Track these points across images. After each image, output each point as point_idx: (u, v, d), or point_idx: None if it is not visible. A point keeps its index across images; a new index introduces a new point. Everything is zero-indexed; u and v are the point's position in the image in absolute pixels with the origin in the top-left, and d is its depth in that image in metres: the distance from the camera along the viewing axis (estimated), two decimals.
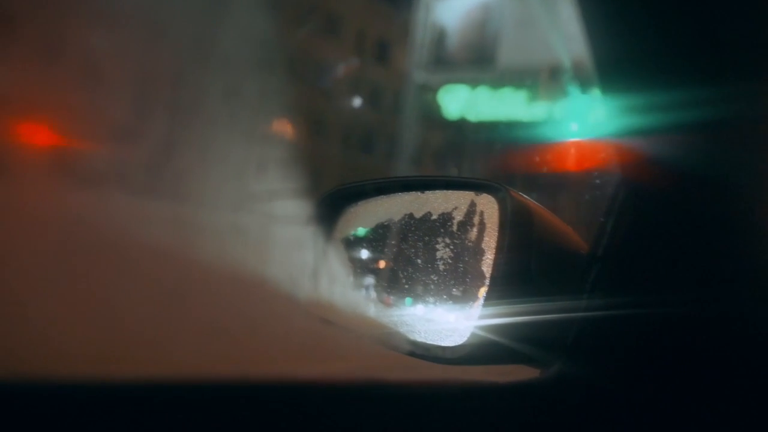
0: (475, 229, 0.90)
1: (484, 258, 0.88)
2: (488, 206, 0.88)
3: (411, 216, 1.01)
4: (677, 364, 0.79)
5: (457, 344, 0.85)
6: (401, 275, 1.00)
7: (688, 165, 0.72)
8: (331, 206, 1.12)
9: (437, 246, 0.95)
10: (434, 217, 0.97)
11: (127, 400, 0.57)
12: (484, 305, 0.82)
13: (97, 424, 0.55)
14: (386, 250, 1.05)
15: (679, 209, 0.76)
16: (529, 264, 0.82)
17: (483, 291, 0.84)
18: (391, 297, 1.01)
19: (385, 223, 1.05)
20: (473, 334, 0.82)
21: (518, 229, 0.82)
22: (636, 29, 0.67)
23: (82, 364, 0.59)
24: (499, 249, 0.83)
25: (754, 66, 0.68)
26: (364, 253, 1.09)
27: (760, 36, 0.66)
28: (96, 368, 0.58)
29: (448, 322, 0.90)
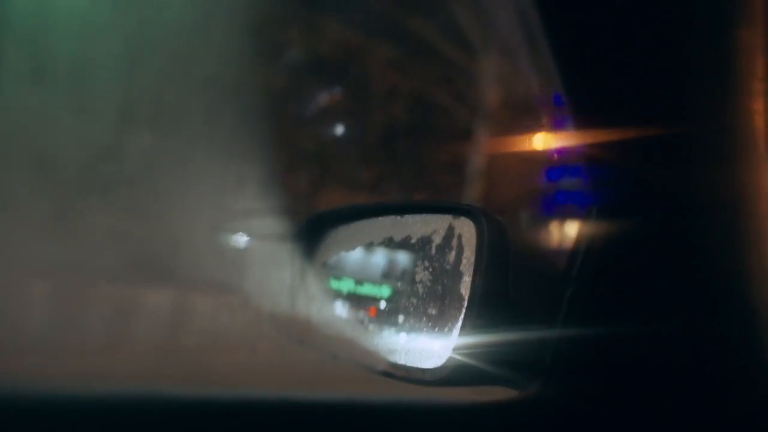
0: (453, 252, 0.92)
1: (462, 281, 0.89)
2: (466, 230, 0.90)
3: (391, 240, 1.02)
4: (653, 383, 0.80)
5: (437, 366, 0.86)
6: (378, 303, 1.02)
7: (659, 185, 0.74)
8: (312, 231, 1.13)
9: (416, 269, 0.97)
10: (413, 240, 0.98)
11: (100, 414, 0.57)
12: (463, 327, 0.84)
13: None
14: (366, 275, 1.07)
15: (651, 230, 0.78)
16: (506, 286, 0.84)
17: (461, 313, 0.86)
18: (371, 319, 1.02)
19: (366, 247, 1.06)
20: (452, 356, 0.83)
21: (495, 253, 0.84)
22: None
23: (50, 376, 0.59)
24: (477, 272, 0.85)
25: (714, 78, 0.70)
26: (345, 277, 1.10)
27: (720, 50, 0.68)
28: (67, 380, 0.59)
29: (428, 344, 0.91)
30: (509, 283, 0.84)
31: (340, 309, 1.06)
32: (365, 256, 1.04)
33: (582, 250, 0.81)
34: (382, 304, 1.00)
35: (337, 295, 1.06)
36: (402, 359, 0.93)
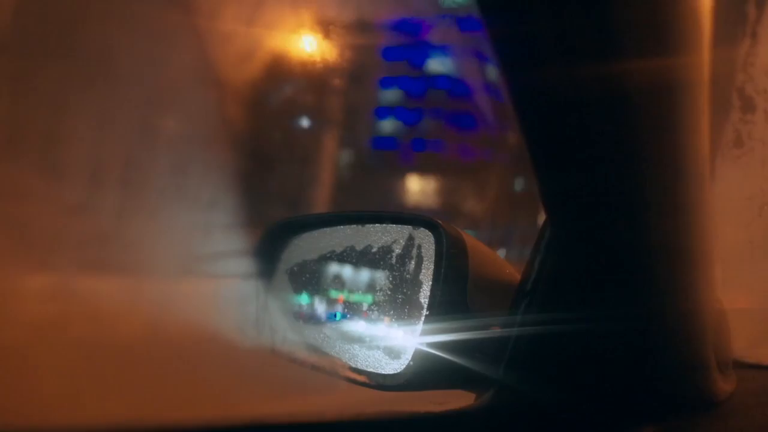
0: (413, 262, 0.95)
1: (421, 290, 0.92)
2: (425, 240, 0.93)
3: (352, 248, 1.05)
4: (602, 375, 0.84)
5: (396, 371, 0.88)
6: (343, 306, 1.04)
7: (605, 199, 0.78)
8: (274, 239, 1.15)
9: (376, 279, 0.99)
10: (374, 249, 1.01)
11: None
12: (422, 334, 0.86)
13: None
14: (329, 281, 1.09)
15: (598, 245, 0.81)
16: (464, 295, 0.87)
17: (421, 321, 0.88)
18: (333, 326, 1.04)
19: (328, 255, 1.08)
20: (412, 362, 0.86)
21: (453, 263, 0.87)
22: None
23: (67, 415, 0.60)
24: (435, 281, 0.88)
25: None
26: (308, 284, 1.12)
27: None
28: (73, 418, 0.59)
29: (388, 350, 0.93)
30: (467, 292, 0.87)
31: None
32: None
33: (536, 267, 0.84)
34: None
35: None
36: (363, 365, 0.95)
